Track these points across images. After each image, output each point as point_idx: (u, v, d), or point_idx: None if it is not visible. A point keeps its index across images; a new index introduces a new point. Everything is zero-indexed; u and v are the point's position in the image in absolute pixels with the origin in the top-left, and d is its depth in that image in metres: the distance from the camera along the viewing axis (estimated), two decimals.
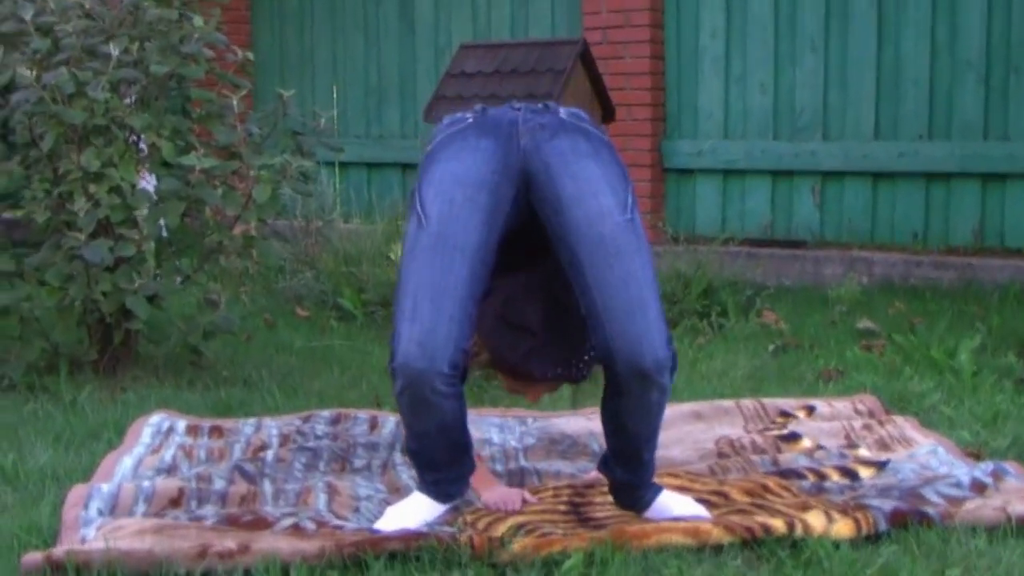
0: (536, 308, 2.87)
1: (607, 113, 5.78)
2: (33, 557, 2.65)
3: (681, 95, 6.97)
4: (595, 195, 2.78)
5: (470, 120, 2.90)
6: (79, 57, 4.23)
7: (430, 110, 5.80)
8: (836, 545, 2.76)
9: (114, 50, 4.19)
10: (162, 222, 4.46)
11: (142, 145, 4.51)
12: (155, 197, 4.42)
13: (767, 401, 4.03)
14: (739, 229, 6.69)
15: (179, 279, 4.53)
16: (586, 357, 2.89)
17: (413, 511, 2.94)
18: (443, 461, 2.93)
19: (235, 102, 4.45)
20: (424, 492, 2.97)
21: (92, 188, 4.20)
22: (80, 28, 4.24)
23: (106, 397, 4.21)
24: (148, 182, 4.78)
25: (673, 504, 3.00)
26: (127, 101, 4.39)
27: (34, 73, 4.10)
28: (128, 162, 4.31)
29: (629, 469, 2.96)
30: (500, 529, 2.86)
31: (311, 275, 6.14)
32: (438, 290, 2.70)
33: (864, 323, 5.25)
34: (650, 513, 2.99)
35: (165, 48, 4.36)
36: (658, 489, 3.02)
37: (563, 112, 2.92)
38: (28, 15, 4.21)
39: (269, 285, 6.31)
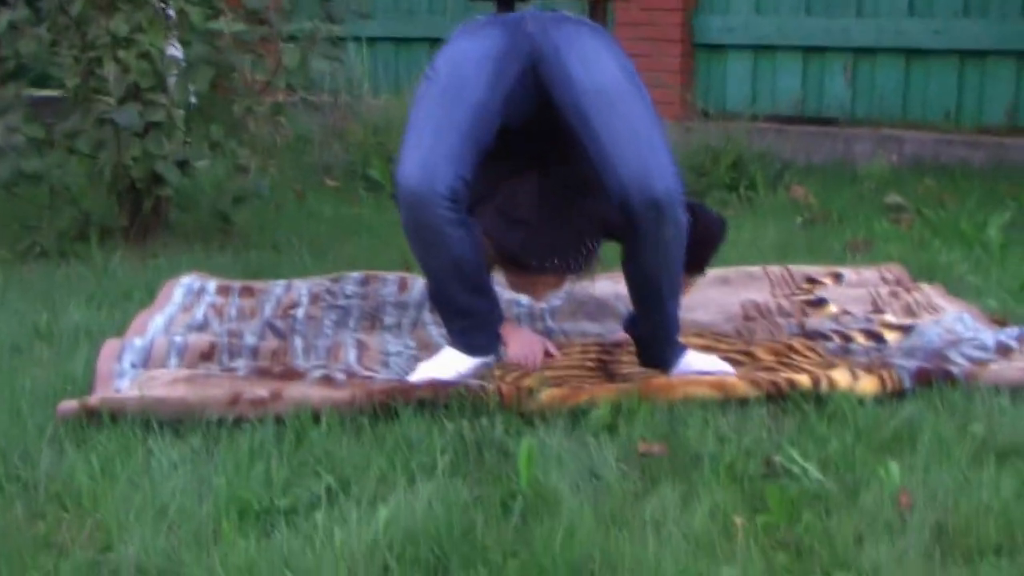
0: (532, 201, 3.02)
1: None
2: (69, 404, 2.70)
3: None
4: (601, 68, 2.92)
5: (482, 20, 3.06)
6: None
7: None
8: (860, 401, 2.79)
9: None
10: (191, 88, 4.46)
11: (170, 12, 4.50)
12: (184, 65, 4.43)
13: (794, 268, 4.04)
14: (770, 106, 6.63)
15: (208, 146, 4.54)
16: (584, 249, 3.03)
17: (444, 365, 2.98)
18: (465, 306, 2.95)
19: None
20: (453, 345, 3.01)
21: (121, 54, 4.21)
22: None
23: (137, 263, 4.26)
24: (177, 49, 4.78)
25: (698, 362, 3.04)
26: None
27: None
28: (157, 28, 4.31)
29: (654, 323, 2.99)
30: (528, 381, 2.90)
31: (340, 147, 6.15)
32: (441, 124, 2.81)
33: (893, 198, 5.23)
34: (676, 371, 3.02)
35: None
36: (683, 348, 3.05)
37: (569, 14, 3.07)
38: None
39: (298, 157, 6.32)
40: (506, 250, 3.04)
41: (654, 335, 3.02)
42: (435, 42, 7.71)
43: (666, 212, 2.78)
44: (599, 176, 2.83)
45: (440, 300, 2.99)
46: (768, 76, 6.78)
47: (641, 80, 2.96)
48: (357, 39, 7.01)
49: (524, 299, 3.72)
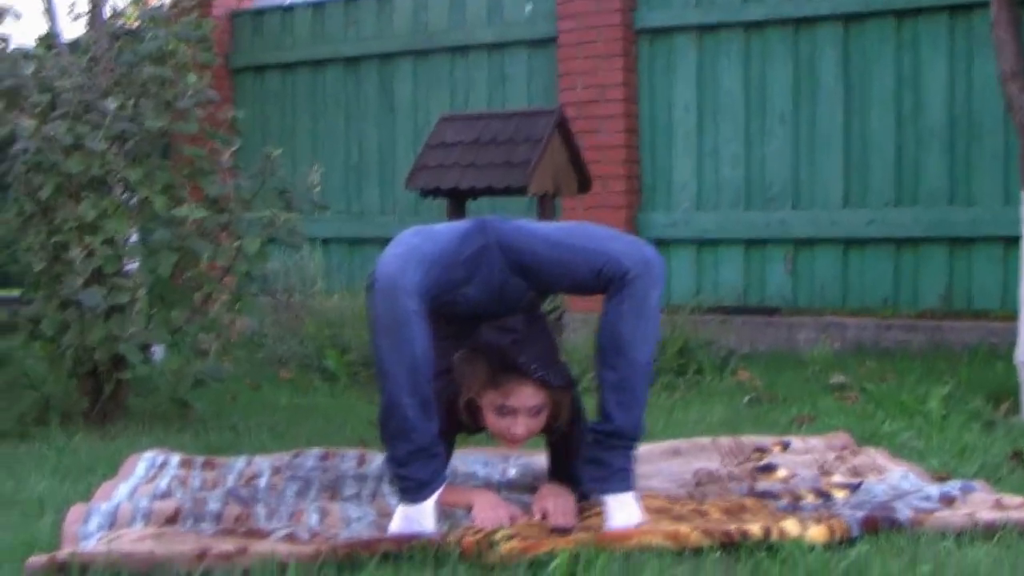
0: (517, 322, 3.27)
1: (583, 183, 5.97)
2: (38, 559, 2.76)
3: (656, 168, 7.19)
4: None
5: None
6: (77, 111, 4.40)
7: (411, 179, 5.98)
8: (811, 548, 2.89)
9: (111, 105, 4.37)
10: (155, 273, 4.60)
11: (132, 200, 4.66)
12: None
13: (743, 438, 4.17)
14: (713, 297, 6.85)
15: (168, 331, 4.66)
16: (561, 366, 3.26)
17: (405, 522, 3.06)
18: (413, 422, 3.05)
19: (225, 157, 4.63)
20: (403, 495, 3.10)
21: (87, 239, 4.35)
22: (78, 84, 4.42)
23: (97, 442, 4.32)
24: (132, 235, 4.93)
25: (620, 517, 3.12)
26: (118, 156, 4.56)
27: (34, 124, 4.27)
28: (121, 215, 4.47)
29: (623, 398, 3.14)
30: (490, 535, 2.98)
31: (294, 341, 6.27)
32: (418, 247, 3.22)
33: (837, 378, 5.40)
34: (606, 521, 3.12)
35: (159, 105, 4.54)
36: (627, 486, 3.16)
37: None
38: (28, 71, 4.39)
39: (252, 353, 6.44)
40: (495, 349, 3.20)
41: (625, 434, 3.15)
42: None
43: (654, 270, 3.10)
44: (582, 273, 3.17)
45: (389, 417, 3.07)
46: (711, 269, 7.02)
47: None
48: (312, 239, 7.21)
49: (480, 472, 3.81)
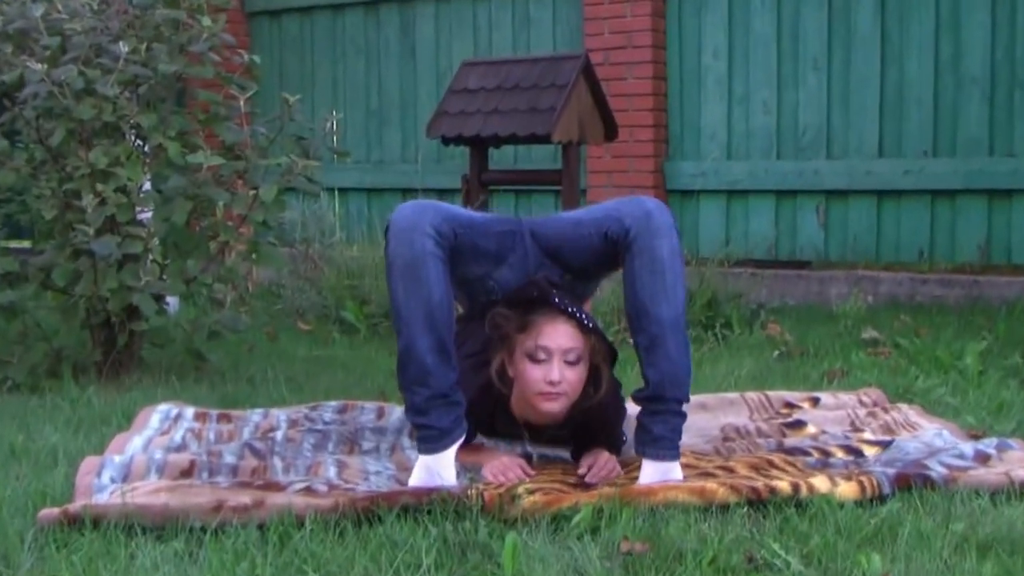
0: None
1: (609, 131, 5.94)
2: (50, 512, 2.78)
3: (684, 116, 7.16)
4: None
5: None
6: (88, 56, 4.40)
7: (432, 126, 5.96)
8: (840, 504, 2.89)
9: (123, 48, 4.36)
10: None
11: (146, 147, 4.67)
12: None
13: (772, 393, 4.17)
14: (743, 250, 6.83)
15: (183, 281, 4.67)
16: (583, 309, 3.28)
17: (423, 477, 3.08)
18: (431, 368, 3.06)
19: (241, 103, 4.62)
20: (423, 445, 3.11)
21: (99, 187, 4.35)
22: (89, 27, 4.41)
23: (112, 394, 4.35)
24: (146, 183, 4.93)
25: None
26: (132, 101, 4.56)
27: (44, 68, 4.26)
28: (134, 162, 4.46)
29: (663, 373, 3.13)
30: (512, 489, 2.99)
31: (312, 291, 6.29)
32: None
33: (869, 333, 5.39)
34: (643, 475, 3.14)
35: (173, 48, 4.53)
36: (674, 454, 3.16)
37: None
38: (38, 13, 4.38)
39: (269, 304, 6.46)
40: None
41: (662, 395, 3.14)
42: (407, 192, 7.98)
43: (654, 220, 3.08)
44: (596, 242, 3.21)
45: (407, 363, 3.09)
46: (741, 220, 7.00)
47: None
48: (330, 189, 7.21)
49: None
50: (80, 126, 4.39)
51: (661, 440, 3.14)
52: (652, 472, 3.12)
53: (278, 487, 3.02)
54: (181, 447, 3.55)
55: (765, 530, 2.75)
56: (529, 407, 3.25)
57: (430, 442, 3.11)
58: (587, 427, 3.35)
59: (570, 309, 3.15)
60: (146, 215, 4.65)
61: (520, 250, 3.32)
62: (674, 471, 3.13)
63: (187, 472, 3.22)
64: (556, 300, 3.16)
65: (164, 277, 4.56)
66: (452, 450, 3.12)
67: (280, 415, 3.92)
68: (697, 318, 5.61)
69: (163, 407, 3.96)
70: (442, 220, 3.09)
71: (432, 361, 3.07)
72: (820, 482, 2.98)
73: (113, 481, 3.11)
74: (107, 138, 4.46)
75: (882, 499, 2.96)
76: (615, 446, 3.36)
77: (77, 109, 4.30)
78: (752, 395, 4.15)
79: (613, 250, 3.18)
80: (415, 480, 3.10)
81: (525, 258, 3.32)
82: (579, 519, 2.79)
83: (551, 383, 3.14)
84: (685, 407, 3.19)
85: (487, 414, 3.34)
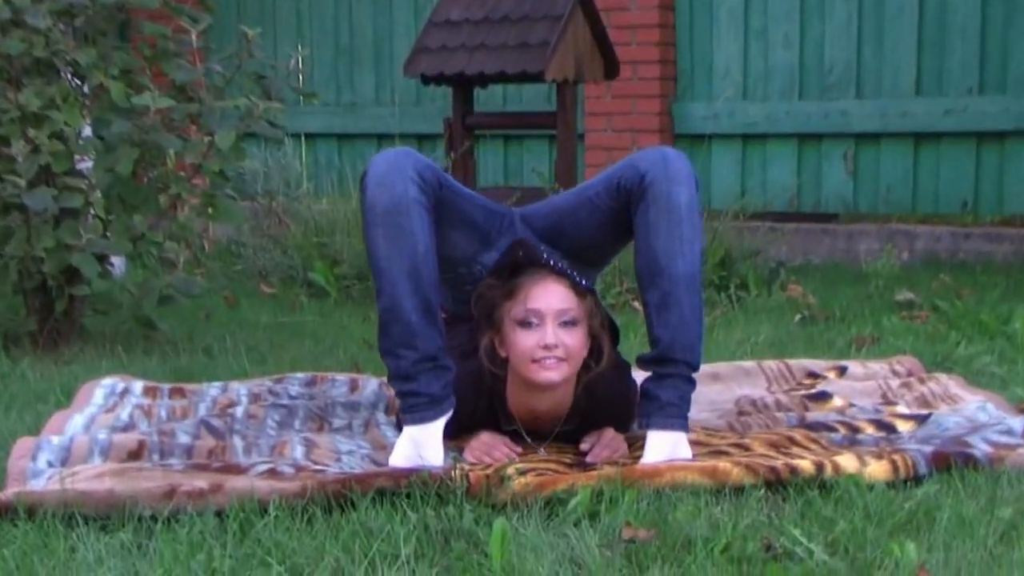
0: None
1: (610, 68, 5.95)
2: None
3: (694, 51, 7.15)
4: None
5: None
6: None
7: (410, 64, 5.96)
8: (870, 486, 2.89)
9: None
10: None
11: (85, 88, 4.65)
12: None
13: (792, 362, 4.18)
14: (760, 201, 6.84)
15: (130, 239, 4.65)
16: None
17: (407, 452, 3.09)
18: (417, 329, 3.07)
19: (193, 37, 4.60)
20: (410, 415, 3.12)
21: (32, 132, 4.34)
22: None
23: (49, 367, 4.35)
24: (85, 128, 4.91)
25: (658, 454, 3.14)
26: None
27: None
28: (72, 104, 4.44)
29: (673, 331, 3.15)
30: (500, 470, 3.00)
31: (277, 251, 6.29)
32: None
33: (904, 294, 5.40)
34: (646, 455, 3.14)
35: None
36: (684, 424, 3.17)
37: None
38: None
39: (229, 264, 6.46)
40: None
41: (671, 357, 3.15)
42: (382, 138, 7.98)
43: (672, 164, 3.12)
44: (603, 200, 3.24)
45: (390, 323, 3.09)
46: (758, 168, 7.00)
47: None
48: (295, 134, 7.20)
49: None
50: (8, 63, 4.36)
51: (668, 407, 3.15)
52: (658, 444, 3.13)
53: (238, 469, 3.03)
54: (128, 426, 3.55)
55: (785, 515, 2.76)
56: (527, 389, 3.22)
57: (419, 410, 3.11)
58: (594, 421, 3.32)
59: (560, 266, 3.15)
60: (86, 165, 4.63)
61: (510, 235, 3.32)
62: (682, 445, 3.14)
63: (135, 454, 3.22)
64: (544, 257, 3.17)
65: (108, 235, 4.55)
66: (441, 422, 3.13)
67: (240, 389, 3.92)
68: (709, 278, 5.62)
69: (108, 381, 3.96)
70: (425, 166, 3.10)
71: (417, 320, 3.07)
72: (847, 461, 2.99)
73: (51, 465, 3.11)
74: (40, 77, 4.45)
75: (917, 480, 2.97)
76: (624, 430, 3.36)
77: (3, 43, 4.28)
78: (771, 364, 4.17)
79: (625, 207, 3.18)
80: (398, 455, 3.10)
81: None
82: (576, 503, 2.80)
83: (546, 347, 3.10)
84: (695, 376, 3.19)
85: (480, 409, 3.29)
